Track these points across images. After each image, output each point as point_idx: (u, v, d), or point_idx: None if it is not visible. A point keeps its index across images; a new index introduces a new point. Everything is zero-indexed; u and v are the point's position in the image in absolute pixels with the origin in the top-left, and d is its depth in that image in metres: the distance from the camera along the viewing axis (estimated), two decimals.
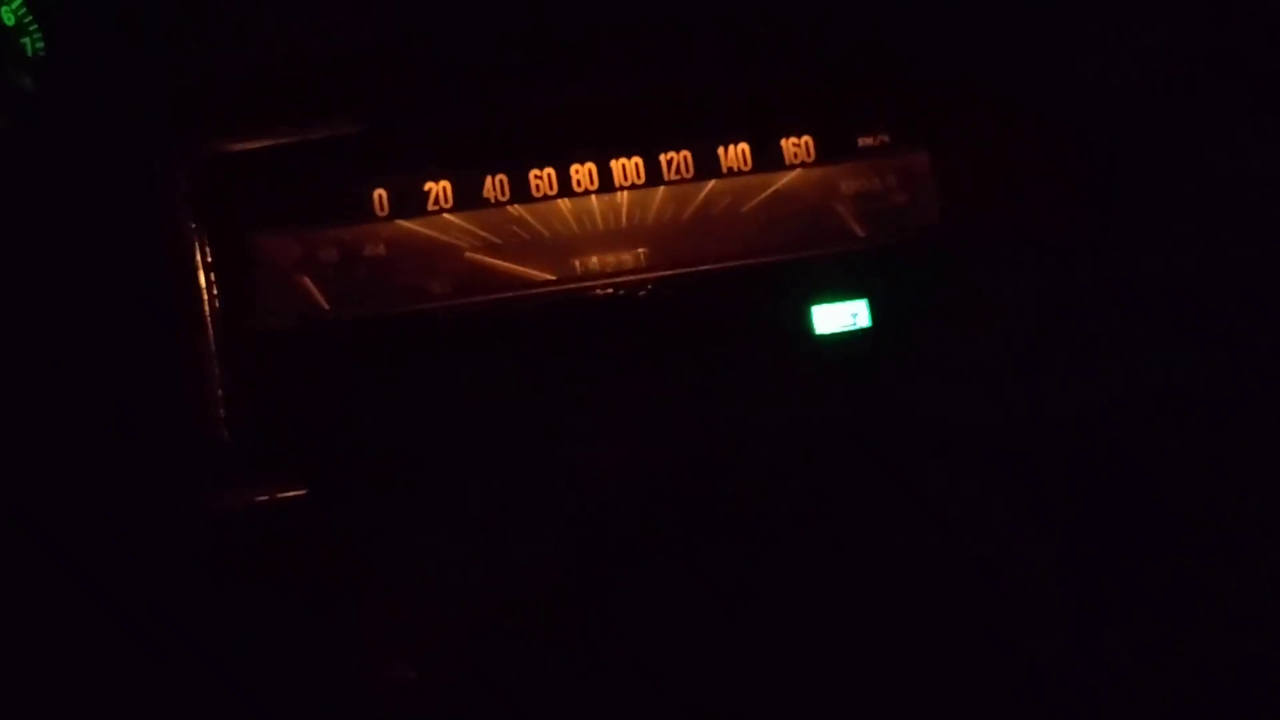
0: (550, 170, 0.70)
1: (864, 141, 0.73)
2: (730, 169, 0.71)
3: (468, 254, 0.70)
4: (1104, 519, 0.70)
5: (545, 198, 0.70)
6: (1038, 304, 0.72)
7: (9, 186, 0.69)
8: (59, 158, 0.69)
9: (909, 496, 0.70)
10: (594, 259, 0.70)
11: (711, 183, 0.71)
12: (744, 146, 0.71)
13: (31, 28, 0.69)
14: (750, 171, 0.71)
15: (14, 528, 0.66)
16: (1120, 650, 0.68)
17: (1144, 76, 0.73)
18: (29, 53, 0.69)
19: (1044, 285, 0.72)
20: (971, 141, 0.73)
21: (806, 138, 0.72)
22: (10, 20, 0.69)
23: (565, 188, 0.70)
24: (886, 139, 0.73)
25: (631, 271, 0.70)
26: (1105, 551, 0.70)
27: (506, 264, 0.70)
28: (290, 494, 0.68)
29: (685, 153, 0.71)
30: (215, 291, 0.68)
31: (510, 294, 0.69)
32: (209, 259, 0.68)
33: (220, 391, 0.68)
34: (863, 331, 0.72)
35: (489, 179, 0.70)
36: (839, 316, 0.72)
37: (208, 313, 0.68)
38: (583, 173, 0.70)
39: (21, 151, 0.70)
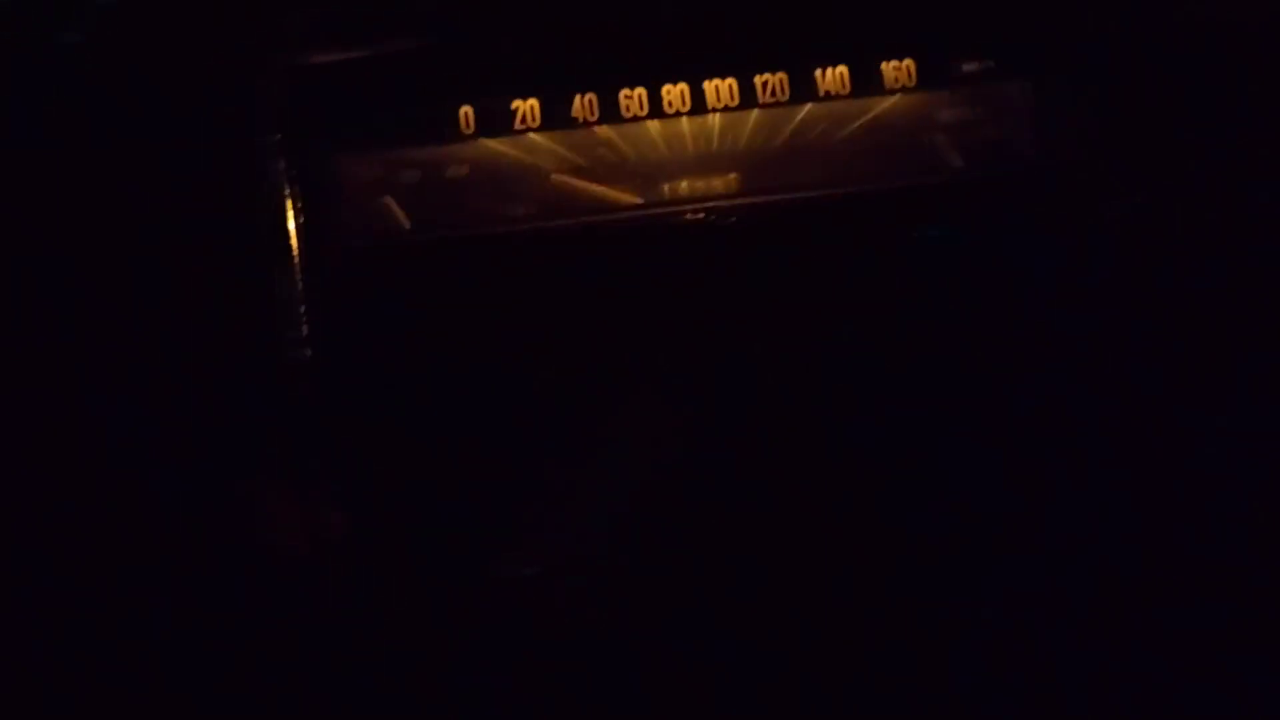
0: (641, 90, 0.67)
1: (967, 67, 0.69)
2: (827, 93, 0.68)
3: (554, 175, 0.68)
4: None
5: (635, 119, 0.67)
6: (1137, 255, 0.69)
7: (81, 103, 0.68)
8: (136, 72, 0.69)
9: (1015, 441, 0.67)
10: (683, 183, 0.68)
11: (807, 106, 0.68)
12: (842, 69, 0.68)
13: None
14: (848, 96, 0.68)
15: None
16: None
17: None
18: None
19: (1147, 235, 0.69)
20: (1083, 73, 0.69)
21: (907, 61, 0.69)
22: None
23: (656, 109, 0.68)
24: (992, 65, 0.69)
25: (722, 196, 0.68)
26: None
27: (594, 186, 0.68)
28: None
29: (781, 75, 0.68)
30: (300, 209, 0.67)
31: (596, 217, 0.67)
32: (294, 176, 0.67)
33: (303, 309, 0.67)
34: (956, 266, 0.69)
35: (578, 98, 0.67)
36: (932, 247, 0.69)
37: (292, 230, 0.67)
38: (674, 93, 0.68)
39: (95, 66, 0.69)
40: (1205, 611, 0.64)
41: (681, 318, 0.67)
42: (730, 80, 0.68)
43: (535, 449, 0.66)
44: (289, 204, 0.67)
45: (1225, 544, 0.65)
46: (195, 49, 0.68)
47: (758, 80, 0.68)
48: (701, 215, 0.67)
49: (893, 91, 0.69)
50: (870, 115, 0.69)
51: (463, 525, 0.67)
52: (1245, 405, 0.66)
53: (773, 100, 0.68)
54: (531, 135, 0.68)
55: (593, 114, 0.68)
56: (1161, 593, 0.65)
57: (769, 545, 0.66)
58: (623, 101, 0.68)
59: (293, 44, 0.68)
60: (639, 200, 0.68)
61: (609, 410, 0.67)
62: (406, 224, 0.68)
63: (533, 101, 0.68)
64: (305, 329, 0.67)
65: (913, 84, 0.69)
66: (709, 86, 0.68)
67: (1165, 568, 0.65)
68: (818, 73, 0.68)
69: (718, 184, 0.68)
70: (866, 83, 0.69)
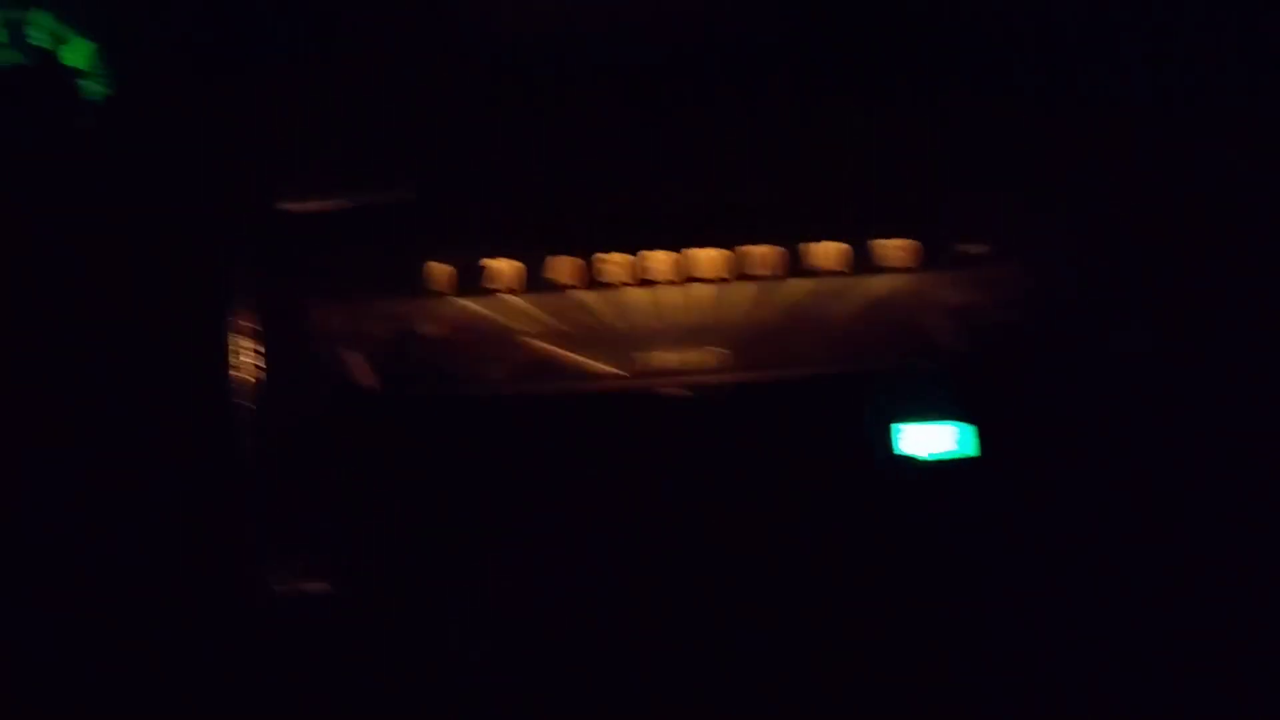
0: (625, 256, 0.65)
1: (964, 249, 0.67)
2: (819, 269, 0.66)
3: (531, 339, 0.65)
4: None
5: (616, 285, 0.65)
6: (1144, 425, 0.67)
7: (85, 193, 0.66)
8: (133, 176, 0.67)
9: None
10: (664, 355, 0.66)
11: (798, 282, 0.66)
12: (836, 246, 0.66)
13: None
14: (840, 273, 0.66)
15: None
16: None
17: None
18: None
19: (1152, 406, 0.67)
20: (1077, 254, 0.67)
21: (902, 241, 0.67)
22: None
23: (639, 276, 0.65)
24: (987, 248, 0.67)
25: (703, 372, 0.65)
26: None
27: (571, 353, 0.65)
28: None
29: (773, 248, 0.66)
30: (270, 356, 0.64)
31: (572, 385, 0.65)
32: (266, 323, 0.65)
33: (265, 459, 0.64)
34: (951, 456, 0.66)
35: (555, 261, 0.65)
36: (926, 438, 0.66)
37: (255, 378, 0.64)
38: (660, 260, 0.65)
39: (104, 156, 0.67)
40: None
41: (655, 489, 0.64)
42: (720, 250, 0.66)
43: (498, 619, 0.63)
44: (262, 350, 0.64)
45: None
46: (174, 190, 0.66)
47: (747, 252, 0.66)
48: (680, 390, 0.64)
49: (884, 270, 0.66)
50: (860, 295, 0.67)
51: None
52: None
53: (762, 274, 0.66)
54: (508, 297, 0.65)
55: (573, 279, 0.65)
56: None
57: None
58: (604, 267, 0.65)
59: (264, 195, 0.66)
60: (618, 370, 0.65)
61: (576, 579, 0.64)
62: (376, 380, 0.65)
63: (511, 263, 0.65)
64: (272, 474, 0.64)
65: (906, 265, 0.67)
66: (695, 255, 0.66)
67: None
68: (809, 248, 0.66)
69: (700, 357, 0.66)
70: (857, 260, 0.66)
